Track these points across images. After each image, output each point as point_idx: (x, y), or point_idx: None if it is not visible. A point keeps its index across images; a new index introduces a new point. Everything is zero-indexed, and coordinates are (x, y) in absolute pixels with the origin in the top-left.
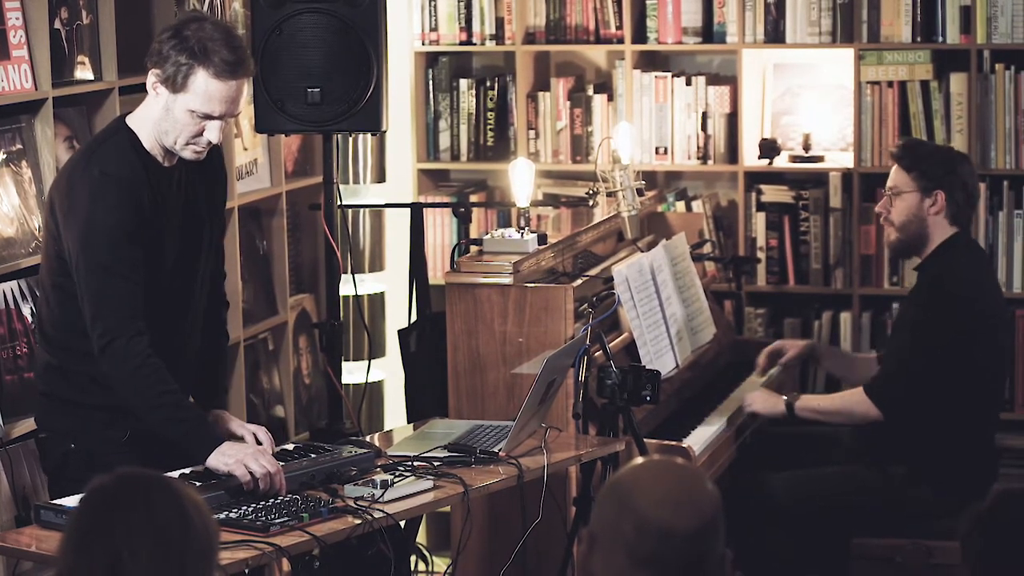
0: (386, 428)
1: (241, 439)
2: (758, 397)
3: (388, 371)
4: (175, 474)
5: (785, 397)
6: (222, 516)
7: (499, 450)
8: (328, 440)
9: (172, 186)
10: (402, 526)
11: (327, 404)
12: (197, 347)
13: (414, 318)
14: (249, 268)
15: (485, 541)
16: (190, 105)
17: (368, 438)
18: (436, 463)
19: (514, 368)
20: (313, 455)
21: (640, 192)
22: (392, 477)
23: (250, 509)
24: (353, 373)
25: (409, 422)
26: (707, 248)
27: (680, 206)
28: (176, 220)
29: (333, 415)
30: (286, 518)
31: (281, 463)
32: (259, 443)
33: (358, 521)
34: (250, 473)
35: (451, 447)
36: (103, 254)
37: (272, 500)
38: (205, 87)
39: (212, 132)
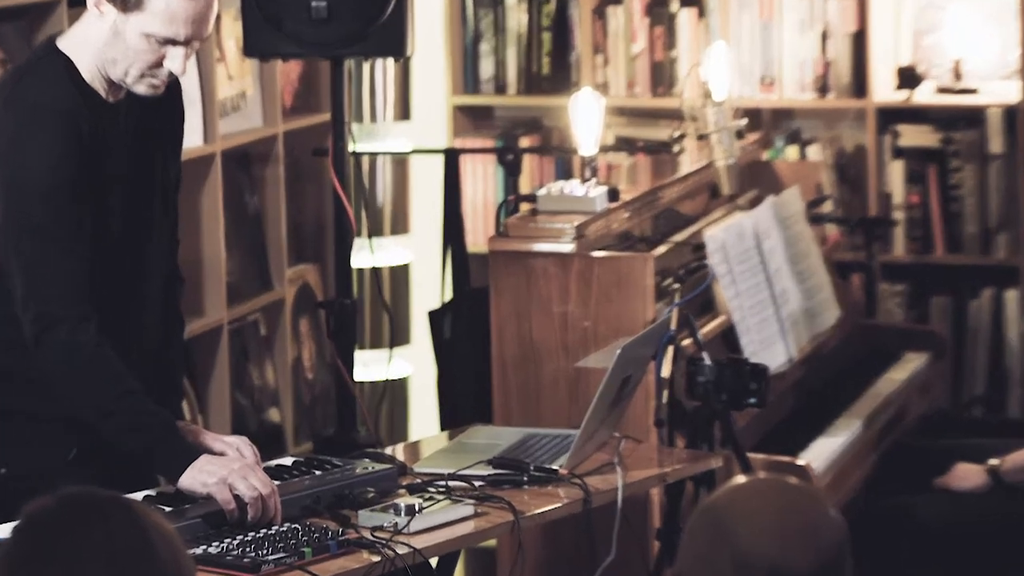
0: (412, 438)
1: (220, 455)
2: (956, 478)
3: (415, 364)
4: (137, 495)
5: (984, 466)
6: (199, 551)
7: (559, 467)
8: (337, 453)
9: (118, 128)
10: (433, 565)
11: (336, 406)
12: (155, 340)
13: (448, 296)
14: (235, 231)
15: None
16: (147, 28)
17: (389, 450)
18: (478, 483)
19: (578, 361)
20: (318, 472)
21: (740, 135)
22: (420, 501)
23: (235, 542)
24: (370, 366)
25: (443, 430)
26: (827, 207)
27: (792, 152)
28: (123, 171)
29: (344, 420)
30: (282, 554)
31: (276, 482)
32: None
33: (376, 558)
34: (235, 496)
35: (497, 462)
36: (37, 211)
37: (264, 531)
38: (166, 5)
39: (175, 61)
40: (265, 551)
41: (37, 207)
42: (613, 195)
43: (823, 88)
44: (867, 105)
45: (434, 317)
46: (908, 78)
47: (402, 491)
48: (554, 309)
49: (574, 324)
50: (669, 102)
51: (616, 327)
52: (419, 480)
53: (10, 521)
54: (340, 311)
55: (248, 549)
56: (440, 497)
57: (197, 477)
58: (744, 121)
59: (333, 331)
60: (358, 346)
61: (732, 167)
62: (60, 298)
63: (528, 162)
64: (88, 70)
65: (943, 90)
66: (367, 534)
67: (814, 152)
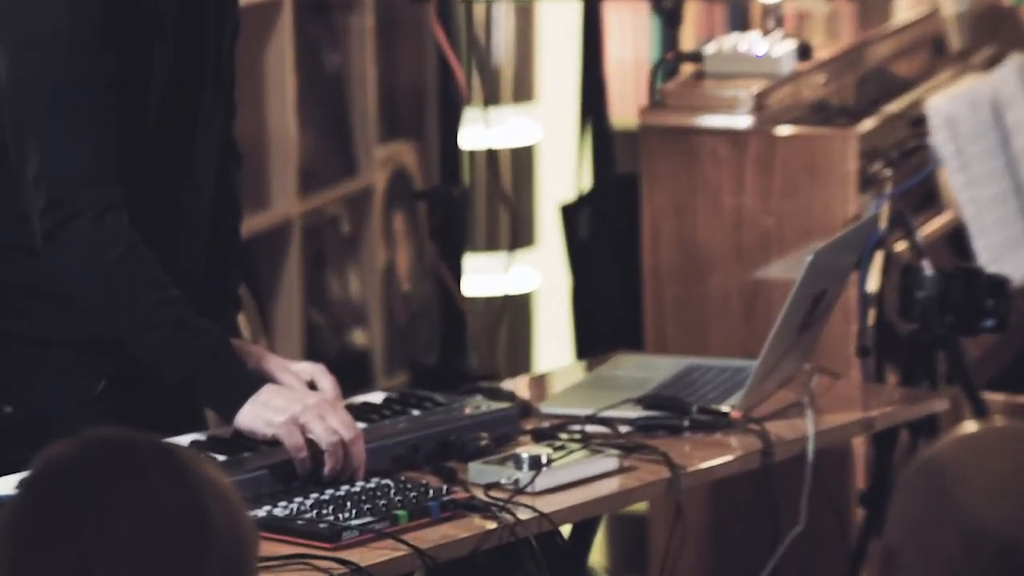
0: (539, 369)
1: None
2: None
3: (542, 273)
4: (182, 440)
5: None
6: (262, 513)
7: (730, 408)
8: (441, 387)
9: None
10: (565, 535)
11: (439, 327)
12: (205, 239)
13: (586, 185)
14: (310, 98)
15: (706, 561)
16: None
17: (509, 385)
18: (623, 429)
19: (756, 271)
20: (415, 412)
21: None
22: (549, 451)
23: (309, 503)
24: (484, 276)
25: (578, 359)
26: None
27: None
28: (165, 12)
29: (449, 345)
30: (369, 518)
31: (361, 425)
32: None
33: (491, 525)
34: (309, 441)
35: (649, 402)
36: (51, 66)
37: (346, 487)
38: None
39: None
40: (347, 514)
41: (51, 60)
42: (804, 53)
43: None
44: None
45: (568, 213)
46: None
47: (525, 438)
48: (725, 202)
49: (751, 222)
50: None
51: (806, 226)
52: (547, 424)
53: (17, 472)
54: (445, 204)
55: (325, 511)
56: (575, 446)
57: (260, 415)
58: None
59: (436, 230)
60: (469, 249)
61: (963, 16)
62: (82, 180)
63: (692, 9)
64: None
65: None
66: (479, 493)
67: None
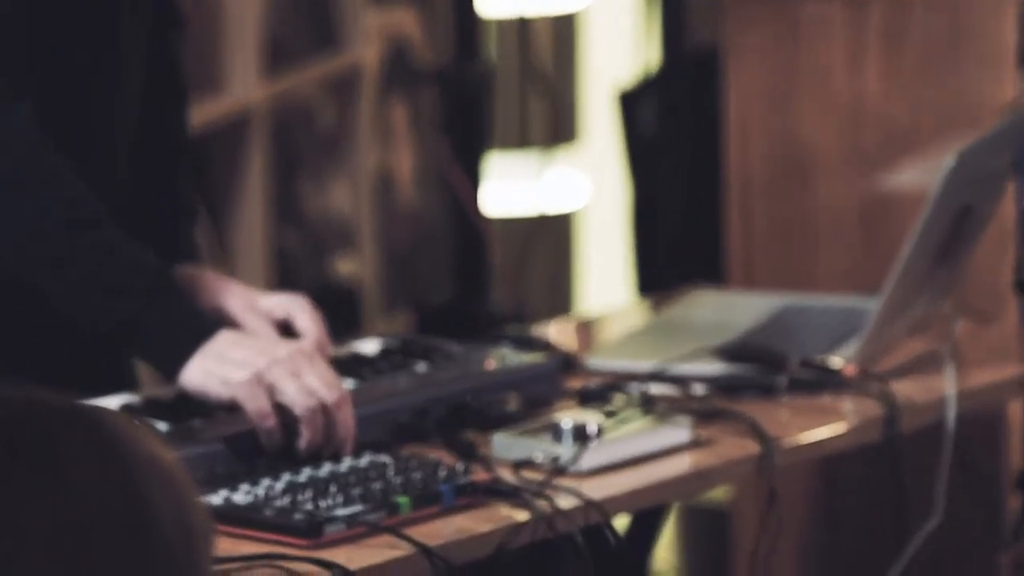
0: (585, 310)
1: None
2: None
3: (592, 181)
4: (109, 404)
5: None
6: (219, 500)
7: (842, 361)
8: (456, 334)
9: None
10: (616, 529)
11: (452, 253)
12: (136, 141)
13: (651, 65)
14: None
15: (809, 565)
16: None
17: (545, 330)
18: (698, 389)
19: (879, 179)
20: (421, 367)
21: None
22: (600, 418)
23: (280, 486)
24: (512, 185)
25: (640, 295)
26: None
27: None
28: None
29: (465, 278)
30: (359, 507)
31: (349, 382)
32: (292, 335)
33: (521, 517)
34: (278, 406)
35: (732, 353)
36: None
37: (329, 467)
38: None
39: None
40: (330, 501)
41: None
42: None
43: None
44: None
45: (627, 101)
46: None
47: (567, 401)
48: (834, 84)
49: (870, 111)
50: None
51: (946, 116)
52: (597, 382)
53: None
54: (460, 88)
55: (301, 497)
56: (633, 412)
57: (213, 371)
58: None
59: (447, 123)
60: (492, 149)
61: None
62: None
63: None
64: None
65: None
66: (506, 474)
67: None
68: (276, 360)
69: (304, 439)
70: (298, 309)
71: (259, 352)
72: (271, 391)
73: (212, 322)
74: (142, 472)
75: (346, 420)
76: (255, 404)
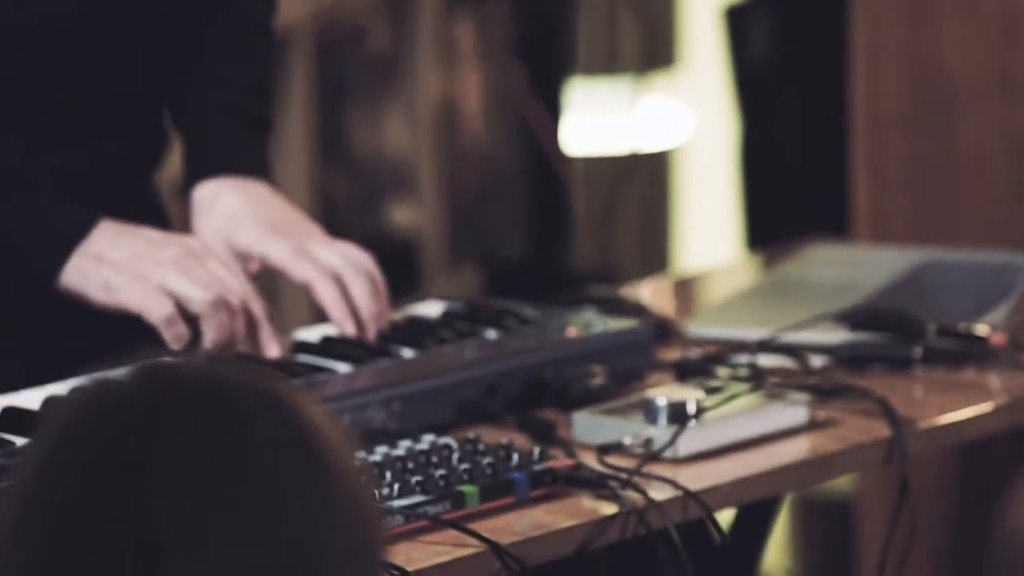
0: (684, 268)
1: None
2: None
3: (693, 113)
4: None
5: None
6: None
7: (989, 328)
8: (530, 295)
9: None
10: (724, 526)
11: (526, 197)
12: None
13: None
14: None
15: (947, 567)
16: None
17: (636, 292)
18: (817, 361)
19: None
20: (490, 334)
21: None
22: (700, 396)
23: None
24: (600, 118)
25: (749, 250)
26: None
27: None
28: None
29: (543, 230)
30: (419, 498)
31: (406, 353)
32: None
33: (608, 510)
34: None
35: (858, 318)
36: None
37: (384, 450)
38: None
39: None
40: (386, 491)
41: None
42: None
43: None
44: None
45: (735, 19)
46: None
47: (662, 375)
48: (988, 4)
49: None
50: None
51: None
52: (697, 353)
53: None
54: (537, 2)
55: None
56: (740, 388)
57: (91, 273)
58: None
59: (523, 45)
60: (574, 75)
61: None
62: None
63: None
64: None
65: None
66: (590, 460)
67: None
68: (159, 259)
69: (208, 340)
70: (352, 275)
71: (139, 252)
72: (165, 291)
73: (86, 217)
74: (327, 449)
75: (259, 313)
76: (156, 308)
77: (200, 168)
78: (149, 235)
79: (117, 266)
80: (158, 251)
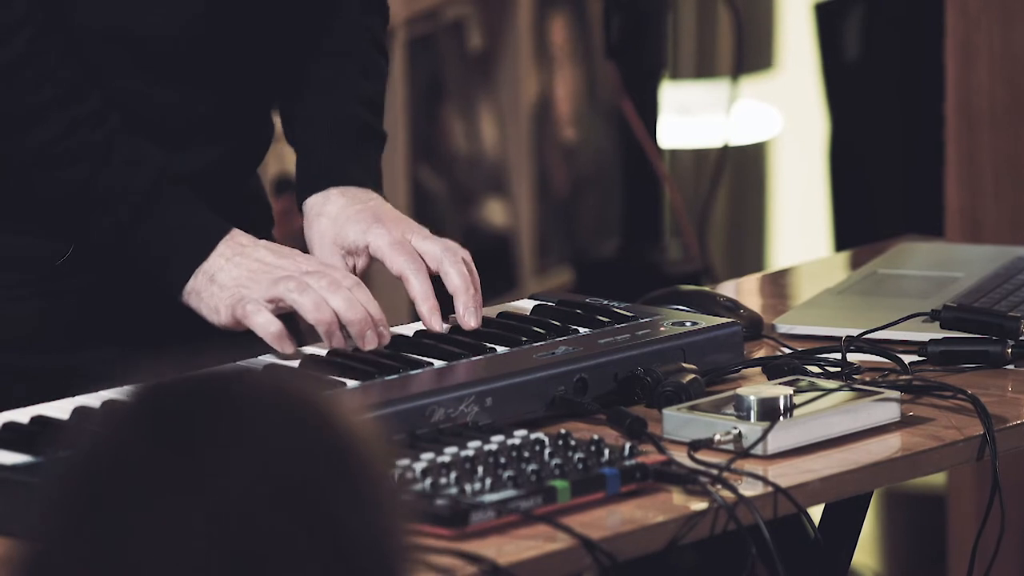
0: (777, 264)
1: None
2: None
3: (785, 114)
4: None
5: None
6: None
7: None
8: (624, 291)
9: None
10: (815, 521)
11: (621, 200)
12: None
13: None
14: None
15: None
16: None
17: (729, 288)
18: (908, 359)
19: None
20: (583, 331)
21: None
22: (791, 392)
23: (420, 466)
24: (694, 118)
25: (840, 248)
26: None
27: None
28: None
29: (636, 227)
30: (511, 492)
31: (501, 349)
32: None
33: (699, 506)
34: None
35: (951, 316)
36: None
37: (475, 445)
38: None
39: None
40: (477, 485)
41: None
42: None
43: None
44: None
45: (826, 17)
46: None
47: (753, 371)
48: None
49: None
50: None
51: None
52: (788, 350)
53: None
54: (632, 3)
55: (444, 480)
56: (831, 385)
57: (203, 295)
58: None
59: (618, 45)
60: (668, 77)
61: None
62: None
63: None
64: None
65: None
66: (680, 456)
67: None
68: (306, 272)
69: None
70: (450, 263)
71: (255, 273)
72: (310, 295)
73: (211, 233)
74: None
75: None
76: (318, 314)
77: (312, 183)
78: (263, 255)
79: (223, 287)
80: (270, 271)
